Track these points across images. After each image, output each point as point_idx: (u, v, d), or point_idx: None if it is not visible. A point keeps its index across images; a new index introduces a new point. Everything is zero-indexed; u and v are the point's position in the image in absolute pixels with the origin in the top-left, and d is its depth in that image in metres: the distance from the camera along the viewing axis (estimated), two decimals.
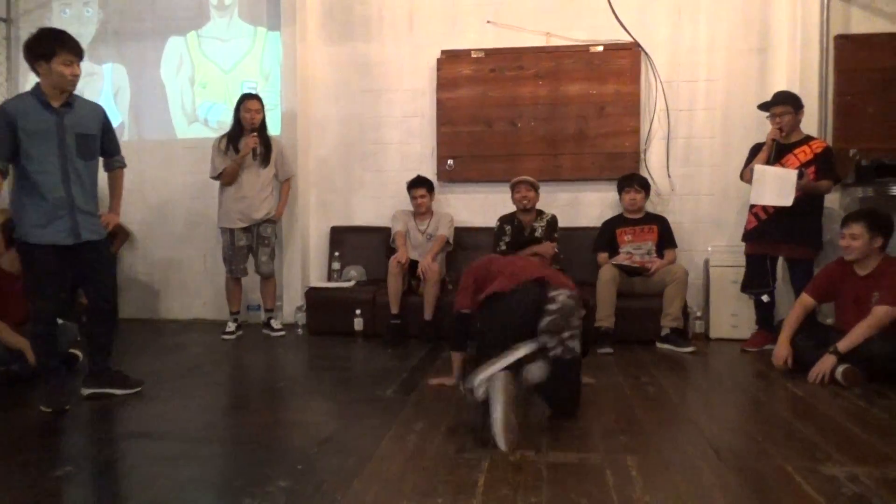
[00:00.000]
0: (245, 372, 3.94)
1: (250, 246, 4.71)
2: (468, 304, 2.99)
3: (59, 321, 3.22)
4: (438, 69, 5.06)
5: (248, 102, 4.59)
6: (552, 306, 2.66)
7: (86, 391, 3.07)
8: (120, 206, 3.27)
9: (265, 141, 4.66)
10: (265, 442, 2.54)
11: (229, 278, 4.73)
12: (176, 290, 5.48)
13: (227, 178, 4.59)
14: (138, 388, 3.14)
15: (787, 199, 3.83)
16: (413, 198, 4.78)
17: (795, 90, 4.31)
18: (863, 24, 4.63)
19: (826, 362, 3.29)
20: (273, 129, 4.96)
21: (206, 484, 2.18)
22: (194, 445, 2.50)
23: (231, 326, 4.68)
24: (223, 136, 4.65)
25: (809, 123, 4.34)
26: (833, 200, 4.48)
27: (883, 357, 3.21)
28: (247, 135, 4.57)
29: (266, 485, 2.08)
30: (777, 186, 3.87)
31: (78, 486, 2.19)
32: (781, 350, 3.55)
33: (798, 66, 4.59)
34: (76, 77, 2.91)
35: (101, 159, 3.16)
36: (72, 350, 3.68)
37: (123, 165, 3.25)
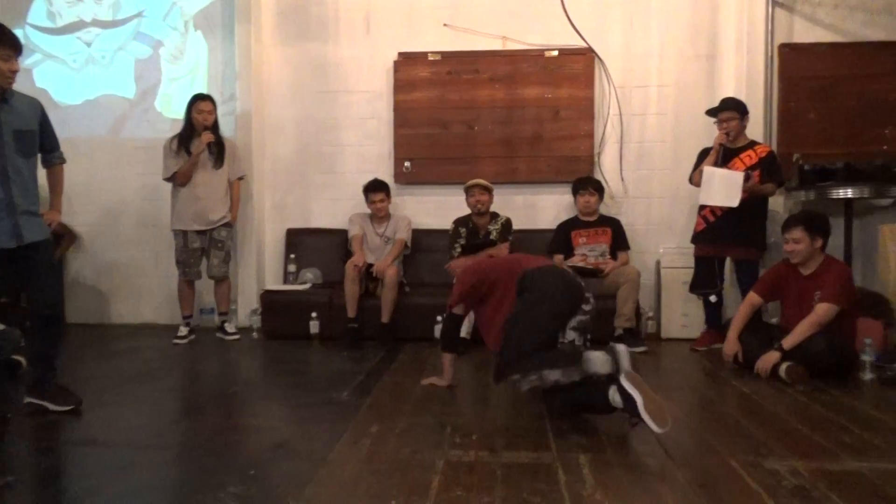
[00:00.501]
0: (197, 377, 3.87)
1: (204, 248, 4.63)
2: (462, 307, 3.10)
3: (1, 326, 3.10)
4: (395, 71, 5.06)
5: (200, 103, 4.52)
6: (587, 306, 2.84)
7: (26, 399, 2.95)
8: (61, 204, 3.16)
9: (218, 141, 4.58)
10: (217, 448, 2.50)
11: (182, 281, 4.63)
12: (126, 294, 5.34)
13: (181, 180, 4.51)
14: (73, 406, 2.93)
15: (733, 201, 3.95)
16: (371, 202, 4.74)
17: (742, 96, 4.45)
18: (805, 33, 4.82)
19: (770, 357, 3.41)
20: (227, 130, 4.89)
21: (154, 492, 2.13)
22: (143, 453, 2.44)
23: (183, 330, 4.59)
24: (174, 137, 4.56)
25: (755, 129, 4.48)
26: (777, 203, 4.64)
27: (823, 354, 3.34)
28: (198, 136, 4.49)
29: (217, 491, 2.04)
30: (724, 188, 3.99)
31: (20, 497, 2.11)
32: (731, 346, 3.67)
33: (744, 73, 4.75)
34: (14, 73, 2.80)
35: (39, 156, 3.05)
36: (14, 356, 3.55)
37: (63, 161, 3.14)
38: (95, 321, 5.30)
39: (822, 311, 3.40)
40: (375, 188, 4.74)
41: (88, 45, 5.37)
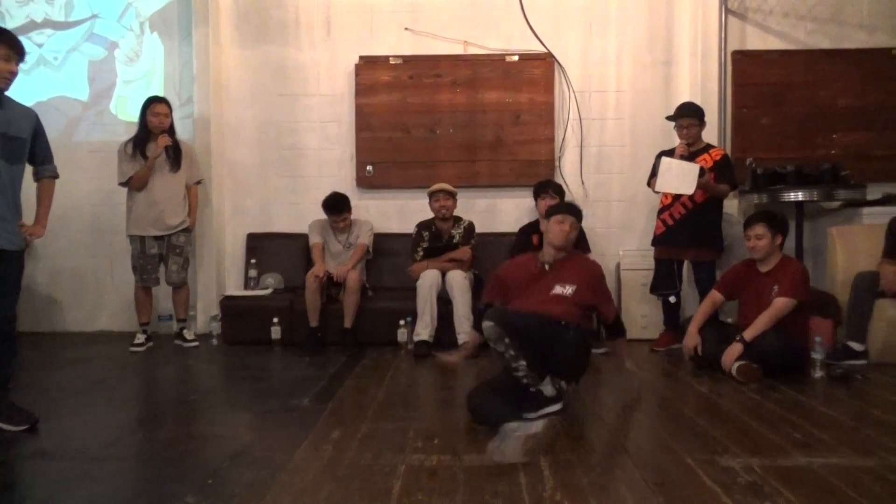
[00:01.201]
0: (155, 385, 3.79)
1: (162, 254, 4.54)
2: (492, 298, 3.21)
3: None
4: (356, 75, 5.04)
5: (156, 106, 4.43)
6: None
7: None
8: (47, 219, 3.04)
9: (175, 145, 4.50)
10: (174, 457, 2.45)
11: (139, 287, 4.53)
12: (80, 301, 5.21)
13: (137, 184, 4.41)
14: (27, 426, 2.79)
15: (689, 188, 4.04)
16: (334, 223, 4.64)
17: (697, 101, 4.55)
18: (757, 41, 4.96)
19: (733, 350, 3.50)
20: (184, 133, 4.81)
21: None
22: (96, 464, 2.38)
23: (140, 338, 4.48)
24: (129, 141, 4.47)
25: (710, 133, 4.58)
26: (732, 206, 4.76)
27: (776, 353, 3.44)
28: (154, 139, 4.41)
29: (174, 501, 2.00)
30: (680, 177, 4.08)
31: None
32: (691, 339, 3.76)
33: (699, 79, 4.87)
34: (13, 74, 2.73)
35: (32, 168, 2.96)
36: None
37: (55, 176, 3.06)
38: (48, 329, 5.15)
39: (781, 304, 3.52)
40: (337, 210, 4.57)
41: (39, 46, 5.22)
